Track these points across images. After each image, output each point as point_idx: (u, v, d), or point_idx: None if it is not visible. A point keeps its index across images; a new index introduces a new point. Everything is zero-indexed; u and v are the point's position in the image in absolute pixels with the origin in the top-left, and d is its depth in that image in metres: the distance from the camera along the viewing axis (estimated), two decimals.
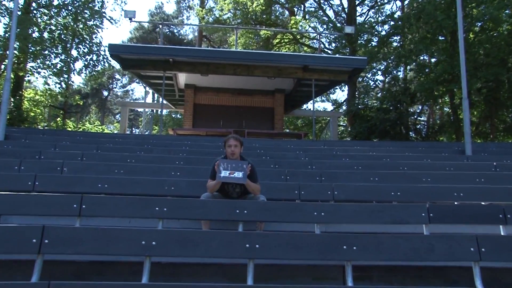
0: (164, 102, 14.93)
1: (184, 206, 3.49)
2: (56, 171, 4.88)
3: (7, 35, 13.03)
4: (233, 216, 3.50)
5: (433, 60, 15.41)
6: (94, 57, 15.70)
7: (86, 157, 5.75)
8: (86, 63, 15.62)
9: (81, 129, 19.47)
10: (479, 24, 12.99)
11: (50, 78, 15.02)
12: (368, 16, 19.84)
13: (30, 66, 14.66)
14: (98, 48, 15.86)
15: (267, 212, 3.51)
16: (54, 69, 14.72)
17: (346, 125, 20.96)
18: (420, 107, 18.84)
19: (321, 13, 20.23)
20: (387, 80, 18.69)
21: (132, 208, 3.45)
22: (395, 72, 16.52)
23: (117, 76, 37.49)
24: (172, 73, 12.13)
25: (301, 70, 11.48)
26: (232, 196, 3.93)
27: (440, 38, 13.74)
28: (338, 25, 17.86)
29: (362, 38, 16.10)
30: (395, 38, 16.05)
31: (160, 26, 28.84)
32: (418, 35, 13.97)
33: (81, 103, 22.23)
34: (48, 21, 14.54)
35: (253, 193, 3.88)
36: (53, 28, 14.58)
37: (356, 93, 18.64)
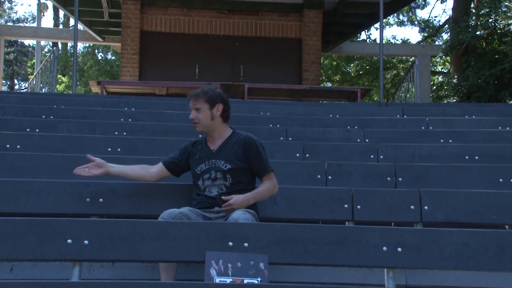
0: (81, 28, 14.86)
1: (123, 237, 3.51)
2: None
3: None
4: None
5: None
6: None
7: None
8: None
9: None
10: None
11: None
12: None
13: None
14: None
15: (288, 246, 3.51)
16: None
17: (448, 72, 20.82)
18: None
19: None
20: None
21: (17, 242, 3.46)
22: None
23: None
24: None
25: None
26: (209, 197, 4.04)
27: None
28: None
29: None
30: None
31: None
32: None
33: None
34: None
35: (266, 195, 4.07)
36: None
37: (472, 4, 18.33)
